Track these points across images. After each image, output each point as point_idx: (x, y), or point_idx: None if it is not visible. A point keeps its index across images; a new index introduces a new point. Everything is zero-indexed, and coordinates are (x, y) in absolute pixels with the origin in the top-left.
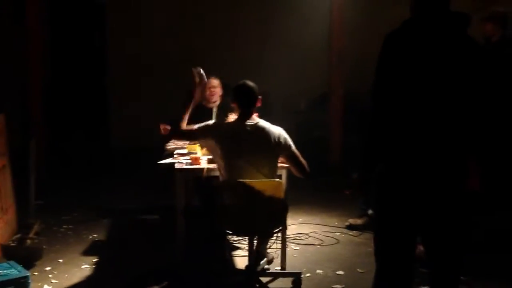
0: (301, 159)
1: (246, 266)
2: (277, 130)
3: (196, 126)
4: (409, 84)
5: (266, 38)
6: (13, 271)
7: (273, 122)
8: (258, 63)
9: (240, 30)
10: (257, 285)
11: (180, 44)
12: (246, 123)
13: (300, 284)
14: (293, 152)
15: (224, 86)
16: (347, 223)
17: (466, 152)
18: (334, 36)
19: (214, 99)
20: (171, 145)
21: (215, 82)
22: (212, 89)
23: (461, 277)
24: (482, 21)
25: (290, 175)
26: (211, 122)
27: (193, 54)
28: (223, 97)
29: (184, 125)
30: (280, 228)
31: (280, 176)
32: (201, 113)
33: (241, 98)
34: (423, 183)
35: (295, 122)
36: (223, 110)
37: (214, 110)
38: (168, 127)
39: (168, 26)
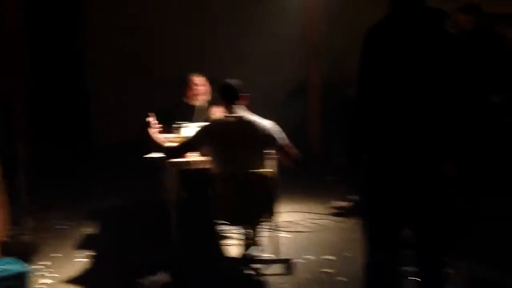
0: (291, 149)
1: (240, 254)
2: (266, 123)
3: (189, 138)
4: (389, 76)
5: (243, 29)
6: (14, 266)
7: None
8: (235, 55)
9: (217, 22)
10: (252, 272)
11: (158, 37)
12: (233, 117)
13: (293, 269)
14: (282, 144)
15: (212, 80)
16: (331, 205)
17: (443, 140)
18: (310, 27)
19: (198, 98)
20: (156, 139)
21: (197, 79)
22: (195, 87)
23: (445, 258)
24: (455, 12)
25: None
26: (200, 127)
27: (171, 47)
28: (211, 92)
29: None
30: (272, 216)
31: (269, 166)
32: (186, 112)
33: (225, 95)
34: (405, 170)
35: (273, 113)
36: (208, 105)
37: (197, 108)
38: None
39: (146, 19)
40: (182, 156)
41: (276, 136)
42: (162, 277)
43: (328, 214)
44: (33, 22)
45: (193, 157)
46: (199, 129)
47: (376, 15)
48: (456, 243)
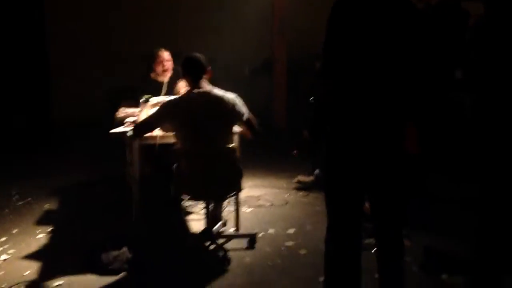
0: (254, 121)
1: (203, 229)
2: (232, 97)
3: (149, 116)
4: (354, 49)
5: (205, 2)
6: None
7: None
8: (200, 31)
9: None
10: (214, 247)
11: (122, 12)
12: (199, 92)
13: (255, 243)
14: (247, 118)
15: (173, 55)
16: (296, 180)
17: (404, 115)
18: (277, 2)
19: (168, 74)
20: (120, 114)
21: (166, 55)
22: (165, 63)
23: (403, 231)
24: None
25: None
26: (162, 106)
27: (134, 22)
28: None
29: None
30: (238, 191)
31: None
32: (153, 88)
33: (190, 69)
34: (365, 144)
35: (239, 88)
36: (174, 80)
37: (165, 83)
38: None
39: None
40: (143, 134)
41: (243, 110)
42: (124, 252)
43: (290, 189)
44: None
45: (156, 132)
46: (160, 106)
47: None
48: (413, 217)
